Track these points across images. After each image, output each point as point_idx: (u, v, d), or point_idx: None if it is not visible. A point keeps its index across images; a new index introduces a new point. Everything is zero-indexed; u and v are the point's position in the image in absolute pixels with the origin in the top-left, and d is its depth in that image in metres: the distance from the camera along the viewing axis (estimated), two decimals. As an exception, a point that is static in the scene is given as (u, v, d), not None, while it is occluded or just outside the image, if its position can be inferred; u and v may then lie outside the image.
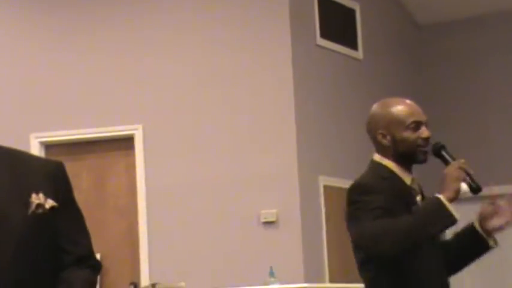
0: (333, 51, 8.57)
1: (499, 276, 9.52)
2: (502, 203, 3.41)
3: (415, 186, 3.41)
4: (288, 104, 7.96)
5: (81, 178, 7.89)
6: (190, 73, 8.14)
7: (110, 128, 8.11)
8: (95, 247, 2.73)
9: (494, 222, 3.41)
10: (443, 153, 3.39)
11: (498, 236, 3.43)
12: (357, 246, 3.34)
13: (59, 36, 8.35)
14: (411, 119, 3.36)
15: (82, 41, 8.31)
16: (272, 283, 6.83)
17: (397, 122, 3.37)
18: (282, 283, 6.81)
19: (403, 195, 3.35)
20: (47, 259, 2.56)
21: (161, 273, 7.53)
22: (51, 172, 2.66)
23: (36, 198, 2.55)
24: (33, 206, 2.54)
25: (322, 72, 8.44)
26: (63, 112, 8.18)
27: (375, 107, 3.47)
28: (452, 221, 3.16)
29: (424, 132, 3.36)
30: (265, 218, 7.76)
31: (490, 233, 3.43)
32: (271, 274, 6.97)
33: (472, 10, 9.80)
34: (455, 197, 3.18)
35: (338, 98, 8.47)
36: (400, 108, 3.40)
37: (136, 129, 8.09)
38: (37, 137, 8.12)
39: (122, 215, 8.06)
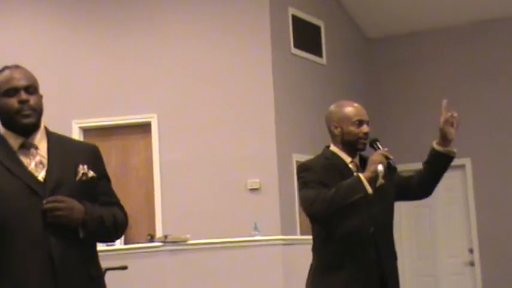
0: (304, 58, 8.55)
1: (429, 241, 9.52)
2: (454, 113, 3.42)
3: (353, 165, 3.46)
4: (269, 98, 7.93)
5: (111, 155, 7.88)
6: (194, 74, 8.06)
7: (132, 116, 8.06)
8: (120, 208, 2.80)
9: (451, 130, 3.42)
10: (375, 144, 3.44)
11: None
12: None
13: (94, 45, 8.21)
14: (356, 118, 3.45)
15: (111, 49, 8.19)
16: (256, 235, 6.83)
17: (346, 118, 3.45)
18: (263, 235, 6.82)
19: (339, 169, 3.42)
20: None
21: (171, 228, 7.48)
22: (91, 153, 2.71)
23: (82, 169, 2.62)
24: (80, 174, 2.61)
25: (295, 74, 8.42)
26: (96, 104, 8.11)
27: (332, 106, 3.55)
28: (365, 192, 3.23)
29: (364, 128, 3.45)
30: (251, 186, 7.75)
31: (448, 145, 3.45)
32: (256, 228, 6.97)
33: (410, 28, 9.65)
34: (372, 175, 3.25)
35: (307, 93, 8.45)
36: (350, 109, 3.48)
37: (152, 117, 8.03)
38: (77, 123, 8.08)
39: (141, 184, 8.04)
